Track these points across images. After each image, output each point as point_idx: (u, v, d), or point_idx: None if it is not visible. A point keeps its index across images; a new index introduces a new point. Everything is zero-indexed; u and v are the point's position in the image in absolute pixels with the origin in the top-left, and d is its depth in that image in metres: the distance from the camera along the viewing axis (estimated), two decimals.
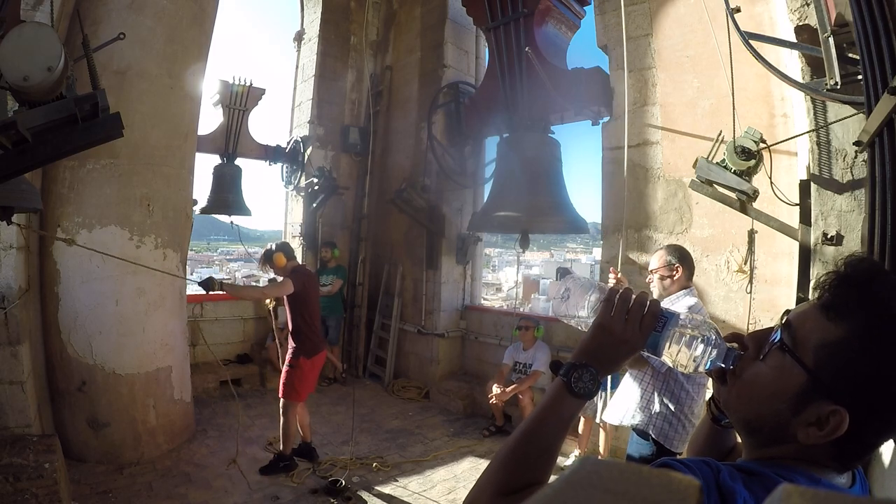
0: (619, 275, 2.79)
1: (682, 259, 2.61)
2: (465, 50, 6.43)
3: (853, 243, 2.63)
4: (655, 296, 2.69)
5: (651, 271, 2.67)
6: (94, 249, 3.08)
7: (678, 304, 2.56)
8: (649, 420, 2.49)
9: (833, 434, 0.60)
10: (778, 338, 0.67)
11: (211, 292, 3.35)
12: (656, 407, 2.48)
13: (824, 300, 0.64)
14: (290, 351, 3.81)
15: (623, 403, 2.65)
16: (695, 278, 3.76)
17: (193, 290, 5.23)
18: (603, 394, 3.86)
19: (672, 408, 2.47)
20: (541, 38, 4.82)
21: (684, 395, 2.48)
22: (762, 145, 2.83)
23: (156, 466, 3.81)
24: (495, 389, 4.60)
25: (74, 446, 3.69)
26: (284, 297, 3.78)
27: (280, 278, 3.85)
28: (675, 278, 2.59)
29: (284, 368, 3.79)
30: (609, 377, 3.45)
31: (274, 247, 3.87)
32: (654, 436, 2.49)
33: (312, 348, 3.79)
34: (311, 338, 3.81)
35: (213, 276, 3.54)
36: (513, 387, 4.56)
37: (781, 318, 0.69)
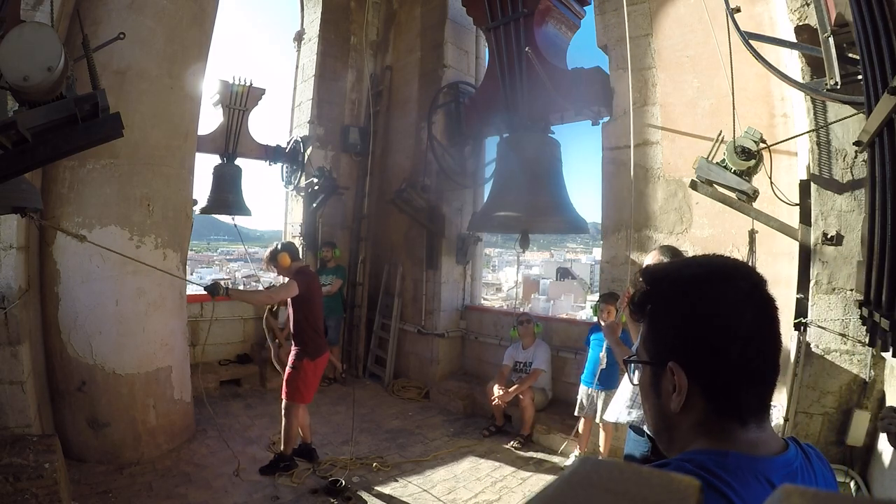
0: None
1: (675, 258, 2.62)
2: (465, 50, 6.43)
3: (853, 243, 2.63)
4: None
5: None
6: (102, 246, 3.09)
7: None
8: (644, 416, 2.50)
9: (682, 387, 0.69)
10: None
11: (216, 298, 3.34)
12: None
13: (633, 309, 0.79)
14: (292, 352, 3.80)
15: (620, 401, 2.66)
16: None
17: (193, 290, 5.24)
18: (602, 394, 3.86)
19: None
20: (541, 38, 4.82)
21: None
22: (762, 145, 2.83)
23: (156, 466, 3.81)
24: (497, 391, 4.60)
25: (74, 446, 3.69)
26: (288, 299, 3.78)
27: (284, 278, 3.84)
28: None
29: (287, 370, 3.78)
30: (598, 375, 3.46)
31: (279, 247, 3.85)
32: (649, 432, 2.50)
33: (315, 350, 3.78)
34: (315, 339, 3.80)
35: (219, 280, 3.52)
36: (514, 387, 4.56)
37: None
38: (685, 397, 0.69)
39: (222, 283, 3.48)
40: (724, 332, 0.68)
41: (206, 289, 3.35)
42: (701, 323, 0.69)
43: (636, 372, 0.79)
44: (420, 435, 4.73)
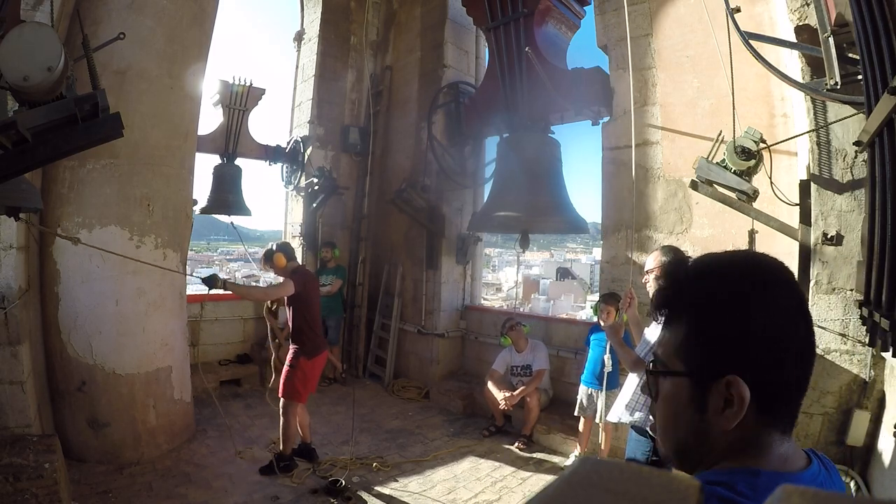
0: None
1: (677, 258, 2.63)
2: (465, 50, 6.43)
3: (853, 243, 2.63)
4: (651, 295, 2.71)
5: (647, 272, 2.70)
6: (99, 248, 3.08)
7: None
8: (648, 418, 2.52)
9: (743, 400, 0.62)
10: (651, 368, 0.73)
11: (213, 290, 3.34)
12: None
13: (659, 320, 0.71)
14: (290, 351, 3.81)
15: (622, 402, 2.68)
16: None
17: (194, 290, 5.23)
18: (602, 394, 3.85)
19: None
20: (541, 38, 4.82)
21: None
22: (762, 145, 2.83)
23: (156, 466, 3.81)
24: (498, 394, 4.59)
25: (74, 446, 3.69)
26: (285, 299, 3.78)
27: (280, 279, 3.85)
28: None
29: (285, 369, 3.79)
30: (605, 379, 3.47)
31: (275, 247, 3.87)
32: (654, 434, 2.50)
33: (313, 349, 3.79)
34: (312, 338, 3.81)
35: (216, 273, 3.53)
36: (521, 390, 4.56)
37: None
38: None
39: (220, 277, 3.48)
40: (784, 341, 0.64)
41: (203, 280, 3.36)
42: (765, 332, 0.63)
43: (658, 381, 0.70)
44: (420, 435, 4.73)
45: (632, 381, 2.67)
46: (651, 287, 2.70)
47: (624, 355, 2.74)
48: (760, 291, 0.64)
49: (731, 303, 0.64)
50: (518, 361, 4.81)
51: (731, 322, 0.63)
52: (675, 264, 0.72)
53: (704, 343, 0.65)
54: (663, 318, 0.70)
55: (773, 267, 0.68)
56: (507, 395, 4.55)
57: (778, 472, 0.63)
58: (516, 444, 4.50)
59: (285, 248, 3.90)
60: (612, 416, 2.76)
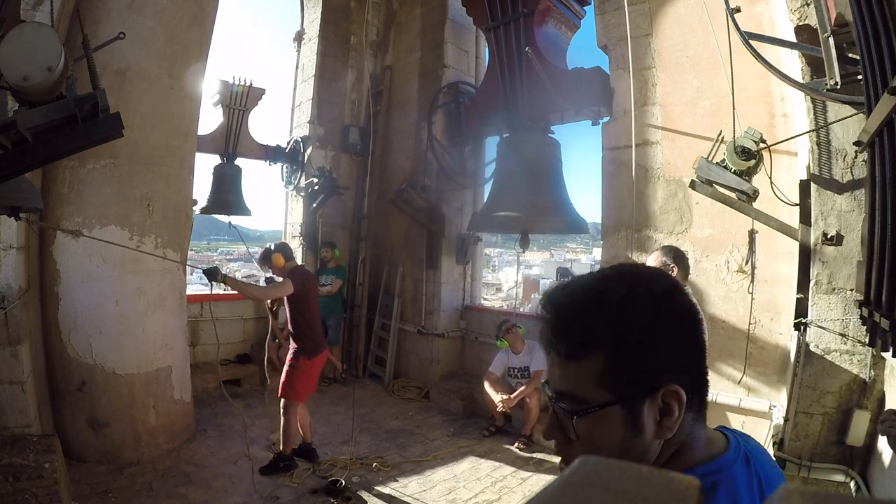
0: None
1: (677, 259, 2.66)
2: (465, 50, 6.43)
3: (853, 243, 2.63)
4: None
5: None
6: (101, 239, 3.08)
7: None
8: None
9: (682, 405, 0.62)
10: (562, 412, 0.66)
11: (213, 282, 3.34)
12: None
13: (561, 356, 0.65)
14: (290, 351, 3.82)
15: None
16: (695, 278, 3.78)
17: (194, 289, 5.24)
18: None
19: None
20: (541, 38, 4.82)
21: None
22: (762, 145, 2.83)
23: (156, 466, 3.81)
24: (496, 398, 4.59)
25: (74, 446, 3.69)
26: (284, 298, 3.78)
27: (279, 278, 3.85)
28: None
29: (285, 368, 3.80)
30: None
31: (273, 247, 3.88)
32: None
33: (313, 349, 3.79)
34: (312, 338, 3.81)
35: (218, 266, 3.52)
36: (518, 392, 4.56)
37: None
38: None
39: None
40: (696, 335, 0.65)
41: (205, 272, 3.36)
42: (683, 333, 0.64)
43: (577, 422, 0.64)
44: (420, 435, 4.73)
45: None
46: None
47: None
48: (668, 297, 0.65)
49: (650, 317, 0.62)
50: (516, 363, 4.81)
51: (655, 335, 0.62)
52: (554, 299, 0.67)
53: (633, 363, 0.62)
54: (563, 354, 0.65)
55: (659, 272, 0.70)
56: (505, 397, 4.55)
57: (706, 465, 0.64)
58: (516, 444, 4.50)
59: (283, 248, 3.91)
60: None
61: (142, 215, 3.97)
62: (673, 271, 2.65)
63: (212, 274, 3.31)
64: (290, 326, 3.84)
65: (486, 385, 4.74)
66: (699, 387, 0.66)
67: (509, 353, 4.85)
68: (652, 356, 0.62)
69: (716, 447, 0.68)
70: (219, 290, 3.96)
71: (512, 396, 4.53)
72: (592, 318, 0.63)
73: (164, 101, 4.06)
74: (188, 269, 4.72)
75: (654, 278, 0.67)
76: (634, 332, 0.62)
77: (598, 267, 5.77)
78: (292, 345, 3.83)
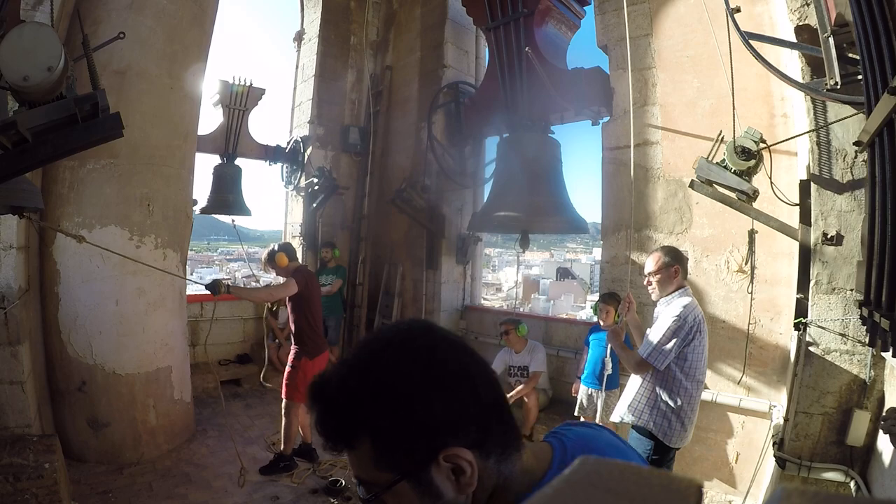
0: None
1: (677, 259, 2.66)
2: (465, 50, 6.43)
3: (853, 243, 2.63)
4: (654, 297, 2.72)
5: (649, 274, 2.69)
6: (102, 247, 3.08)
7: (673, 304, 2.59)
8: (650, 418, 2.53)
9: (471, 462, 0.61)
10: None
11: (217, 295, 3.34)
12: (658, 405, 2.53)
13: (339, 448, 0.66)
14: (292, 351, 3.82)
15: (626, 402, 2.68)
16: (695, 278, 3.79)
17: (194, 290, 5.23)
18: (603, 394, 3.86)
19: (672, 405, 2.51)
20: (541, 38, 4.82)
21: (683, 392, 2.53)
22: (762, 145, 2.83)
23: (156, 466, 3.81)
24: None
25: (74, 446, 3.69)
26: (287, 298, 3.79)
27: (282, 279, 3.86)
28: (674, 279, 2.62)
29: (287, 369, 3.80)
30: (605, 379, 3.47)
31: (276, 247, 3.90)
32: (655, 433, 2.51)
33: (315, 349, 3.80)
34: (314, 339, 3.81)
35: (218, 279, 3.53)
36: (515, 391, 4.56)
37: None
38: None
39: (223, 281, 3.49)
40: (469, 384, 0.63)
41: (207, 287, 3.36)
42: (450, 390, 0.62)
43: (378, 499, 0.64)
44: None
45: (635, 382, 2.68)
46: (654, 288, 2.71)
47: (627, 358, 2.73)
48: (427, 359, 0.63)
49: (405, 391, 0.61)
50: (516, 362, 4.81)
51: (415, 406, 0.61)
52: (317, 395, 0.66)
53: (399, 441, 0.61)
54: (338, 446, 0.66)
55: (420, 328, 0.68)
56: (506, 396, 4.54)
57: (524, 496, 0.64)
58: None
59: (287, 249, 3.93)
60: (615, 416, 2.76)
61: (142, 215, 3.97)
62: (676, 273, 2.65)
63: (214, 288, 3.31)
64: (291, 327, 3.85)
65: None
66: (489, 430, 0.64)
67: (511, 351, 4.85)
68: (417, 427, 0.61)
69: (537, 472, 0.68)
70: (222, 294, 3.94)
71: (510, 395, 4.53)
72: (349, 409, 0.63)
73: (164, 101, 4.06)
74: (188, 269, 4.73)
75: (418, 334, 0.66)
76: (396, 408, 0.61)
77: (598, 267, 5.76)
78: (294, 345, 3.84)
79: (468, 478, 0.62)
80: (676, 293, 2.63)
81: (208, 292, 3.34)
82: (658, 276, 2.65)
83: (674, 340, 2.49)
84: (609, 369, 3.43)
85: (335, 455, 0.59)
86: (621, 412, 2.69)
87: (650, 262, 2.72)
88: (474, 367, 0.66)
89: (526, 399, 4.53)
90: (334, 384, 0.65)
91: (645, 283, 2.77)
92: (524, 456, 0.68)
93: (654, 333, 2.57)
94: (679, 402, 2.52)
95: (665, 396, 2.53)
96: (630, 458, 0.79)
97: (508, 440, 0.67)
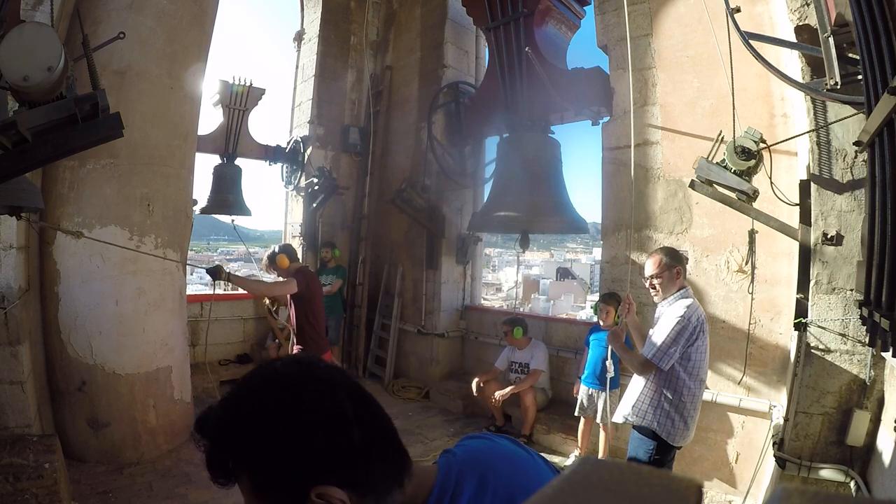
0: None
1: (678, 260, 2.68)
2: (465, 50, 6.43)
3: (853, 243, 2.63)
4: (656, 299, 2.72)
5: (651, 276, 2.69)
6: (100, 240, 3.08)
7: (675, 304, 2.60)
8: (653, 418, 2.55)
9: (339, 497, 0.62)
10: None
11: (217, 280, 3.35)
12: (662, 405, 2.55)
13: (221, 481, 0.66)
14: (294, 352, 3.82)
15: (629, 403, 2.68)
16: (695, 278, 3.79)
17: (194, 289, 5.24)
18: (603, 394, 3.86)
19: (675, 404, 2.53)
20: (541, 38, 4.82)
21: (686, 392, 2.54)
22: (762, 145, 2.83)
23: (156, 466, 3.81)
24: (474, 385, 4.67)
25: (74, 446, 3.69)
26: (289, 299, 3.79)
27: (284, 279, 3.86)
28: (675, 280, 2.64)
29: None
30: (608, 379, 3.48)
31: (277, 249, 3.92)
32: (659, 433, 2.52)
33: (316, 350, 3.79)
34: (316, 339, 3.81)
35: (220, 265, 3.53)
36: (512, 387, 4.57)
37: None
38: None
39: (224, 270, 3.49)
40: (338, 427, 0.64)
41: (208, 271, 3.37)
42: (321, 433, 0.63)
43: None
44: (420, 435, 4.73)
45: (637, 383, 2.68)
46: (657, 291, 2.71)
47: (629, 359, 2.73)
48: (292, 397, 0.64)
49: (273, 428, 0.63)
50: (518, 358, 4.85)
51: (285, 444, 0.62)
52: (202, 430, 0.67)
53: (274, 476, 0.63)
54: (220, 480, 0.66)
55: (296, 365, 0.69)
56: (502, 392, 4.56)
57: None
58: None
59: (288, 250, 3.94)
60: (618, 417, 2.76)
61: (142, 215, 3.97)
62: (678, 274, 2.65)
63: (215, 272, 3.33)
64: (293, 326, 3.85)
65: (480, 376, 4.81)
66: (366, 469, 0.66)
67: (513, 349, 4.88)
68: (287, 464, 0.62)
69: (417, 501, 0.70)
70: (220, 289, 3.96)
71: (506, 391, 4.55)
72: (226, 445, 0.65)
73: (164, 101, 4.06)
74: (188, 268, 4.73)
75: (276, 387, 0.67)
76: (261, 447, 0.63)
77: (598, 267, 5.76)
78: (295, 346, 3.83)
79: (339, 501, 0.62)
80: (678, 294, 2.64)
81: (209, 276, 3.36)
82: (660, 278, 2.65)
83: (678, 341, 2.50)
84: (611, 371, 3.44)
85: (223, 487, 0.65)
86: (624, 413, 2.70)
87: (651, 265, 2.72)
88: (350, 405, 0.66)
89: (523, 398, 4.54)
90: (212, 421, 0.66)
91: (647, 285, 2.77)
92: (408, 486, 0.70)
93: (658, 334, 2.57)
94: (683, 401, 2.53)
95: (669, 396, 2.54)
96: (531, 462, 0.80)
97: (391, 474, 0.69)
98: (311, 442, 0.63)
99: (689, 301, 2.59)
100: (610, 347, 3.09)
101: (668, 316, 2.59)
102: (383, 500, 0.67)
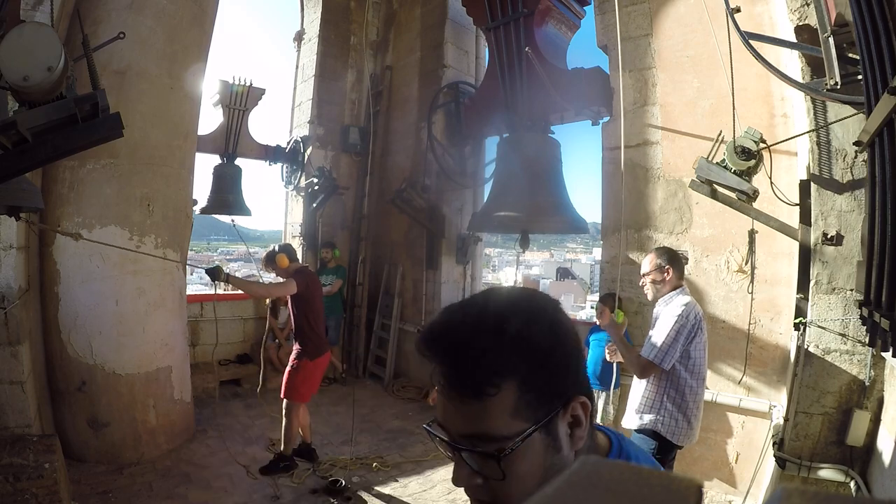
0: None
1: (671, 260, 2.67)
2: (465, 50, 6.43)
3: (853, 243, 2.63)
4: (650, 297, 2.73)
5: (643, 275, 2.72)
6: (99, 241, 3.08)
7: (672, 303, 2.60)
8: (656, 419, 2.55)
9: (587, 412, 0.66)
10: (477, 453, 0.63)
11: (216, 281, 3.34)
12: (665, 405, 2.55)
13: (469, 398, 0.62)
14: (294, 352, 3.81)
15: (633, 407, 2.68)
16: (695, 278, 3.79)
17: (194, 289, 5.24)
18: (604, 394, 3.86)
19: (678, 404, 2.54)
20: (541, 38, 4.81)
21: (688, 391, 2.55)
22: (762, 145, 2.83)
23: (156, 466, 3.81)
24: None
25: (74, 446, 3.69)
26: (288, 299, 3.79)
27: (283, 279, 3.86)
28: (666, 280, 2.65)
29: (287, 370, 3.79)
30: (613, 379, 3.49)
31: (277, 248, 3.90)
32: (663, 433, 2.54)
33: (316, 350, 3.79)
34: (315, 340, 3.80)
35: (219, 265, 3.53)
36: None
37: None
38: None
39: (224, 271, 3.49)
40: (579, 345, 0.69)
41: (207, 272, 3.37)
42: (572, 345, 0.67)
43: (505, 462, 0.61)
44: (420, 435, 4.73)
45: (639, 385, 2.69)
46: (648, 289, 2.71)
47: (630, 359, 2.72)
48: (557, 314, 0.68)
49: (550, 339, 0.64)
50: None
51: (556, 354, 0.64)
52: (446, 342, 0.64)
53: (543, 387, 0.63)
54: (472, 395, 0.62)
55: (534, 292, 0.73)
56: None
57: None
58: None
59: (287, 250, 3.93)
60: (629, 424, 2.74)
61: (142, 215, 3.97)
62: (668, 273, 2.65)
63: (215, 273, 3.32)
64: (293, 327, 3.84)
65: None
66: (590, 393, 0.69)
67: None
68: (557, 375, 0.64)
69: (602, 449, 0.73)
70: (220, 289, 3.96)
71: None
72: (498, 353, 0.61)
73: (164, 101, 4.06)
74: (188, 268, 4.72)
75: (540, 299, 0.70)
76: (539, 356, 0.63)
77: (598, 267, 5.76)
78: (295, 346, 3.83)
79: (582, 431, 0.66)
80: (673, 293, 2.64)
81: (208, 277, 3.35)
82: (650, 276, 2.68)
83: (678, 339, 2.51)
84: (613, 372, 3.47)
85: (474, 400, 0.60)
86: (633, 418, 2.69)
87: (645, 264, 2.74)
88: (573, 327, 0.70)
89: None
90: (466, 332, 0.63)
91: (640, 283, 2.78)
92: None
93: (658, 334, 2.57)
94: (686, 401, 2.54)
95: (672, 395, 2.55)
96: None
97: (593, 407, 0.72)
98: (569, 355, 0.66)
99: (686, 299, 2.60)
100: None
101: (665, 315, 2.59)
102: (592, 429, 0.70)
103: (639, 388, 2.68)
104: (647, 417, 2.59)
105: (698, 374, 2.57)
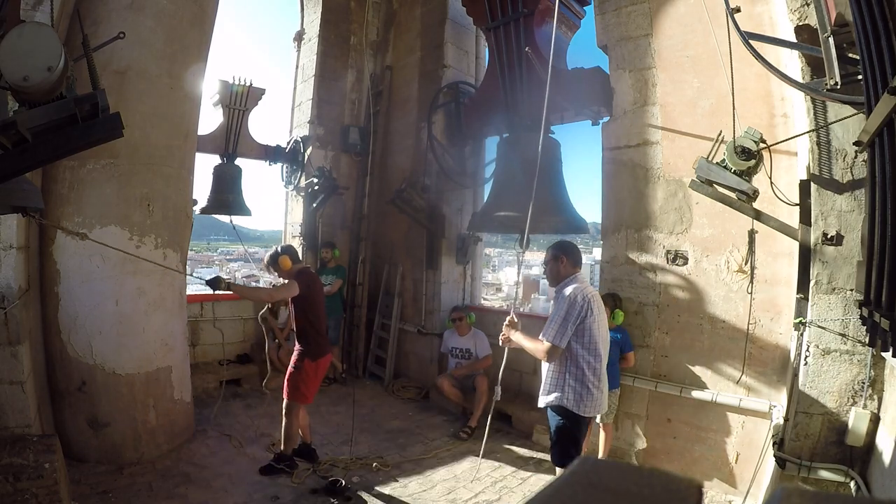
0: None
1: (564, 251, 2.96)
2: (465, 50, 6.43)
3: (853, 243, 2.63)
4: (549, 284, 3.13)
5: (542, 264, 3.08)
6: (103, 243, 3.08)
7: (564, 289, 2.89)
8: (562, 395, 2.80)
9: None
10: None
11: (217, 292, 3.35)
12: (567, 381, 2.81)
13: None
14: (295, 352, 3.81)
15: (542, 389, 2.94)
16: (695, 278, 3.79)
17: (194, 289, 5.23)
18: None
19: (579, 378, 2.79)
20: (541, 38, 4.82)
21: (586, 366, 2.78)
22: (762, 145, 2.83)
23: (156, 466, 3.81)
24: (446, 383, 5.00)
25: (74, 446, 3.69)
26: (289, 299, 3.78)
27: (285, 281, 3.85)
28: (560, 269, 2.94)
29: (289, 370, 3.79)
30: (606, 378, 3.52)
31: (279, 250, 3.88)
32: (568, 407, 2.79)
33: (317, 351, 3.78)
34: (317, 340, 3.79)
35: (220, 275, 3.52)
36: (465, 365, 5.06)
37: None
38: None
39: (224, 279, 3.49)
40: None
41: (207, 282, 3.36)
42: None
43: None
44: (420, 435, 4.73)
45: (544, 368, 2.92)
46: (546, 280, 3.07)
47: (532, 347, 2.88)
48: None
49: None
50: (459, 344, 5.25)
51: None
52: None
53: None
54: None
55: None
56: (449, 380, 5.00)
57: None
58: (460, 432, 4.75)
59: (290, 251, 3.91)
60: (541, 403, 2.96)
61: (142, 215, 3.97)
62: (563, 262, 2.92)
63: (215, 284, 3.32)
64: (294, 328, 3.84)
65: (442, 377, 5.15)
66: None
67: (454, 333, 5.30)
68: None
69: None
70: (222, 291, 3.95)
71: (465, 364, 5.07)
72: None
73: (164, 101, 4.06)
74: (188, 269, 4.72)
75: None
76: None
77: (598, 267, 5.78)
78: (297, 346, 3.82)
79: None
80: (567, 279, 2.91)
81: (209, 288, 3.35)
82: (545, 267, 3.02)
83: (568, 319, 2.76)
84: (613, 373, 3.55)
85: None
86: (542, 398, 2.91)
87: (545, 255, 3.05)
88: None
89: (479, 383, 4.81)
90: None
91: (543, 272, 3.09)
92: None
93: (551, 317, 2.83)
94: (584, 374, 2.77)
95: (573, 371, 2.79)
96: None
97: None
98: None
99: (574, 284, 2.85)
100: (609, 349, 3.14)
101: (557, 300, 2.88)
102: None
103: (545, 370, 2.90)
104: (554, 395, 2.82)
105: (595, 350, 2.80)
